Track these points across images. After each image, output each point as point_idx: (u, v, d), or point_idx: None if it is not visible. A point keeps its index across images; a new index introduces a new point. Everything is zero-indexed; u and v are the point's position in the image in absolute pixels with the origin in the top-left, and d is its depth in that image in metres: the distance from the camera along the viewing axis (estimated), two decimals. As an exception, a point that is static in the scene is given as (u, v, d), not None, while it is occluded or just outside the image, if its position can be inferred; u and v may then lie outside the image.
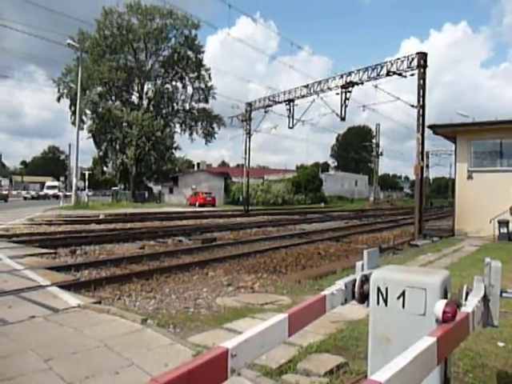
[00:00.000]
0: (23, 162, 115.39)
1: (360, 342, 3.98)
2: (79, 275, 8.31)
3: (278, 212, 34.69)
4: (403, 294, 2.33)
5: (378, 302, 2.44)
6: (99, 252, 11.74)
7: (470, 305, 1.93)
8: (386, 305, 2.41)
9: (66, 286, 6.67)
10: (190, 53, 51.17)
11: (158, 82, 51.72)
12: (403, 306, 2.33)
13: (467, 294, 2.13)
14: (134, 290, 7.33)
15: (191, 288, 7.45)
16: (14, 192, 62.14)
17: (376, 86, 21.72)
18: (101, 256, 11.03)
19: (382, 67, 20.93)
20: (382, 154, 58.03)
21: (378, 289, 2.43)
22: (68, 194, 38.05)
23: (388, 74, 20.37)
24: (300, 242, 14.59)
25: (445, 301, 1.84)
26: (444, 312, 1.76)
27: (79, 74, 35.52)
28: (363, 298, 2.54)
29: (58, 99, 48.02)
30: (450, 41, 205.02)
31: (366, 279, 2.56)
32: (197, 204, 44.57)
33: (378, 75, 21.19)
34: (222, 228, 19.33)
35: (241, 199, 40.61)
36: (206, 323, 4.92)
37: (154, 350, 3.89)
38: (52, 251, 10.96)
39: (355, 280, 2.54)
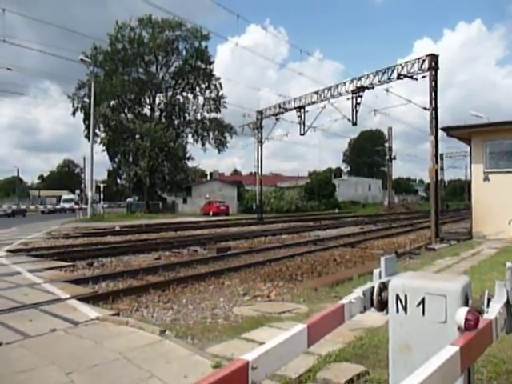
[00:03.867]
0: (40, 177, 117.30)
1: (380, 349, 3.93)
2: (97, 287, 8.40)
3: (292, 219, 34.59)
4: (423, 301, 2.30)
5: (397, 310, 2.41)
6: (116, 264, 11.85)
7: (493, 311, 1.90)
8: (406, 312, 2.38)
9: (85, 299, 6.74)
10: (200, 63, 51.63)
11: (169, 93, 52.26)
12: (423, 314, 2.30)
13: (489, 300, 2.10)
14: (151, 301, 7.38)
15: (208, 298, 7.46)
16: (32, 206, 63.00)
17: (387, 90, 21.66)
18: (117, 268, 11.13)
19: (392, 70, 20.85)
20: (395, 158, 57.53)
21: (397, 296, 2.41)
22: (84, 206, 38.51)
23: (399, 77, 20.29)
24: (315, 248, 14.51)
25: (466, 308, 1.81)
26: (466, 320, 1.73)
27: (92, 89, 36.12)
28: (382, 305, 2.52)
29: (73, 114, 48.90)
30: (463, 40, 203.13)
31: (384, 287, 2.53)
32: (210, 213, 44.73)
33: (388, 79, 21.12)
34: (237, 237, 19.34)
35: (254, 207, 40.61)
36: (224, 333, 4.91)
37: (174, 362, 3.90)
38: (70, 264, 11.09)
39: (373, 288, 2.52)
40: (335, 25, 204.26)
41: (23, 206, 55.86)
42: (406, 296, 2.37)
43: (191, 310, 6.67)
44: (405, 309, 2.38)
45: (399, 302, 2.41)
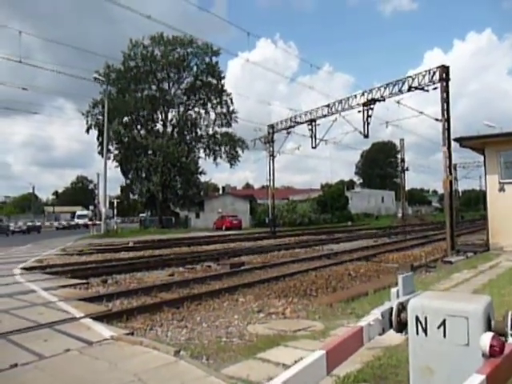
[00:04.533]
0: (55, 193, 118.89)
1: (399, 369, 3.83)
2: (111, 305, 8.39)
3: (305, 232, 34.41)
4: (444, 322, 2.24)
5: (417, 332, 2.35)
6: (129, 280, 11.86)
7: (517, 335, 1.84)
8: (426, 334, 2.32)
9: (99, 318, 6.73)
10: (211, 79, 52.24)
11: (181, 109, 52.86)
12: (444, 336, 2.24)
13: (512, 322, 2.04)
14: (165, 319, 7.33)
15: (222, 315, 7.40)
16: (47, 223, 63.89)
17: (398, 102, 21.61)
18: (131, 285, 11.13)
19: (403, 83, 20.84)
20: (407, 169, 57.00)
21: (417, 318, 2.35)
22: (97, 222, 38.87)
23: (410, 89, 20.26)
24: (329, 263, 14.37)
25: (491, 334, 1.76)
26: (491, 346, 1.68)
27: (106, 106, 36.72)
28: (401, 327, 2.46)
29: (87, 131, 49.63)
30: (474, 50, 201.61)
31: (402, 307, 2.48)
32: (223, 227, 44.75)
33: (399, 91, 21.11)
34: (250, 251, 19.27)
35: (267, 221, 40.52)
36: (239, 353, 4.85)
37: (189, 383, 3.85)
38: (84, 281, 11.13)
39: (391, 308, 2.47)
40: (344, 37, 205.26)
41: (38, 223, 56.61)
42: (425, 318, 2.31)
43: (205, 328, 6.61)
44: (425, 331, 2.32)
45: (419, 323, 2.35)
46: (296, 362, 2.21)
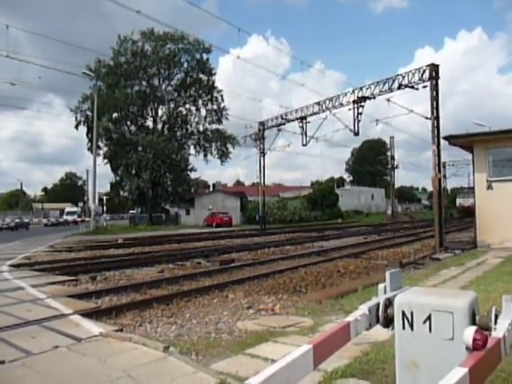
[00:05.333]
0: (44, 189, 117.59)
1: (386, 365, 3.88)
2: (100, 302, 8.36)
3: (295, 229, 34.51)
4: (429, 318, 2.27)
5: (403, 327, 2.38)
6: (119, 277, 11.80)
7: (501, 329, 1.87)
8: (412, 329, 2.35)
9: (88, 314, 6.69)
10: (202, 76, 52.04)
11: (172, 105, 52.61)
12: (430, 331, 2.27)
13: (496, 317, 2.07)
14: (154, 315, 7.32)
15: (212, 312, 7.41)
16: (35, 219, 63.30)
17: (388, 100, 21.73)
18: (121, 281, 11.08)
19: (393, 81, 20.97)
20: (397, 167, 57.53)
21: (403, 313, 2.38)
22: (87, 219, 38.60)
23: (400, 87, 20.40)
24: (319, 260, 14.43)
25: (474, 328, 1.78)
26: (474, 340, 1.71)
27: (95, 102, 36.40)
28: (388, 322, 2.49)
29: (76, 127, 49.11)
30: (465, 48, 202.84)
31: (389, 303, 2.50)
32: (214, 224, 44.70)
33: (389, 89, 21.23)
34: (240, 248, 19.28)
35: (257, 218, 40.56)
36: (229, 349, 4.86)
37: (178, 380, 3.86)
38: (73, 278, 11.06)
39: (379, 304, 2.49)
40: (336, 35, 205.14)
41: (26, 219, 56.13)
42: (412, 313, 2.34)
43: (195, 324, 6.62)
44: (411, 325, 2.35)
45: (405, 318, 2.38)
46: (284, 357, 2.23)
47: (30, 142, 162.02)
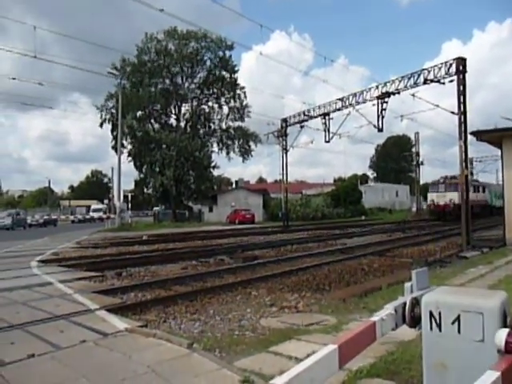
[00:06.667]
0: (71, 187, 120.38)
1: (412, 365, 3.81)
2: (126, 298, 8.50)
3: (318, 227, 34.28)
4: (458, 318, 2.21)
5: (431, 328, 2.33)
6: (144, 273, 11.98)
7: (534, 331, 1.81)
8: (440, 330, 2.30)
9: (114, 310, 6.82)
10: (224, 73, 52.15)
11: (195, 103, 52.92)
12: (459, 332, 2.21)
13: (529, 319, 2.00)
14: (178, 311, 7.40)
15: (235, 309, 7.43)
16: (63, 216, 64.83)
17: (413, 95, 21.29)
18: (145, 278, 11.24)
19: (419, 75, 20.54)
20: (422, 163, 56.36)
21: (431, 313, 2.33)
22: (112, 216, 39.26)
23: (425, 81, 19.95)
24: (342, 257, 14.31)
25: (506, 330, 1.73)
26: (507, 342, 1.65)
27: (120, 100, 36.95)
28: (414, 322, 2.44)
29: (101, 125, 49.97)
30: (494, 40, 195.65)
31: (416, 302, 2.45)
32: (236, 221, 44.82)
33: (415, 83, 20.80)
34: (263, 245, 19.29)
35: (280, 215, 40.46)
36: (252, 346, 4.87)
37: (202, 376, 3.89)
38: (99, 274, 11.27)
39: (405, 303, 2.45)
40: (360, 29, 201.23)
41: (54, 216, 57.52)
42: (440, 313, 2.29)
43: (218, 321, 6.66)
44: (439, 326, 2.30)
45: (433, 318, 2.32)
46: (308, 355, 2.21)
47: (58, 141, 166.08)
